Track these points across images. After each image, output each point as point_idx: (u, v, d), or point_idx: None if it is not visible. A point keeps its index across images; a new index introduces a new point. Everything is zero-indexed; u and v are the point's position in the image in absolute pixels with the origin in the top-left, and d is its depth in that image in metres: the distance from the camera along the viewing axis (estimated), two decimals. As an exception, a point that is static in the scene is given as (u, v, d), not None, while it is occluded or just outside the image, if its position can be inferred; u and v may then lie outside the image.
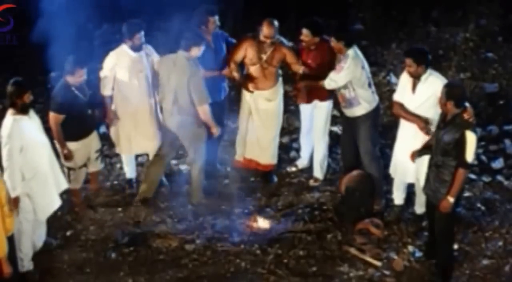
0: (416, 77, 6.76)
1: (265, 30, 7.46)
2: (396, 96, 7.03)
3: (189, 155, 7.62)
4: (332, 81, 7.26)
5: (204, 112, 7.28)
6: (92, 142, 7.51)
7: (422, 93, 6.75)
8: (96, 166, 7.68)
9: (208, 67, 7.46)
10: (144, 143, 7.69)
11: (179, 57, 7.26)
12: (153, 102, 7.61)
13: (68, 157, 7.22)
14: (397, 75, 9.54)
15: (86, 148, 7.44)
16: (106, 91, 7.49)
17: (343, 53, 7.22)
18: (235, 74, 7.64)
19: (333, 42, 7.23)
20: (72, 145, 7.25)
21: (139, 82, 7.46)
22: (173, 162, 8.41)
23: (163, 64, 7.38)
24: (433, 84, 6.61)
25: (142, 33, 7.36)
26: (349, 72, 7.17)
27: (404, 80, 6.91)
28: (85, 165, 7.54)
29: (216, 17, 7.52)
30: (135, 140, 7.64)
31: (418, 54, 6.75)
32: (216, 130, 7.44)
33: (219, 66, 7.67)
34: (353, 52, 7.21)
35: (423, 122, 6.79)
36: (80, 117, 7.19)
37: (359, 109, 7.34)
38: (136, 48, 7.38)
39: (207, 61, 7.45)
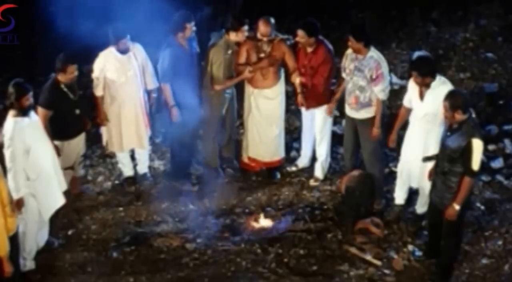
0: (424, 86, 6.69)
1: (261, 29, 7.51)
2: (405, 101, 7.03)
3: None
4: (383, 92, 7.23)
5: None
6: (80, 144, 7.57)
7: (430, 101, 6.66)
8: (78, 171, 7.76)
9: (185, 70, 7.59)
10: (134, 139, 7.84)
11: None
12: (142, 101, 7.74)
13: (56, 154, 7.21)
14: (397, 75, 9.58)
15: (73, 149, 7.49)
16: (97, 92, 7.61)
17: (362, 53, 7.19)
18: (248, 74, 7.71)
19: (352, 43, 7.17)
20: (59, 144, 7.28)
21: (128, 82, 7.58)
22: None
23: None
24: (443, 93, 6.33)
25: (128, 38, 7.47)
26: (387, 74, 7.21)
27: (412, 86, 6.87)
28: (72, 168, 7.57)
29: (193, 24, 7.59)
30: (125, 138, 7.78)
31: (422, 67, 6.66)
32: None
33: (195, 69, 7.78)
34: (376, 54, 7.20)
35: (394, 136, 7.07)
36: (68, 116, 7.24)
37: (369, 112, 7.34)
38: (122, 52, 7.52)
39: (184, 65, 7.58)
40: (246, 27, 7.55)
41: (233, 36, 7.56)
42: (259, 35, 7.55)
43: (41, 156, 6.62)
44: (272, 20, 7.55)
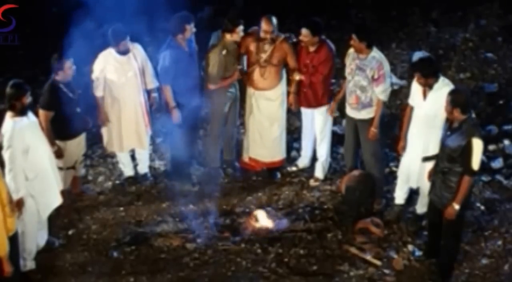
0: (427, 87, 6.72)
1: (264, 26, 7.52)
2: (410, 101, 7.04)
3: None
4: (384, 93, 7.23)
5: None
6: (81, 144, 7.60)
7: (432, 102, 6.69)
8: (79, 170, 7.78)
9: (185, 71, 7.62)
10: (134, 140, 7.87)
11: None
12: (142, 101, 7.76)
13: (59, 154, 7.24)
14: (397, 75, 9.59)
15: (75, 148, 7.51)
16: (98, 92, 7.64)
17: (364, 53, 7.19)
18: (239, 76, 7.80)
19: (354, 41, 7.18)
20: (61, 144, 7.31)
21: (128, 82, 7.61)
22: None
23: None
24: (445, 94, 6.33)
25: (127, 39, 7.50)
26: (388, 75, 7.22)
27: (415, 86, 6.88)
28: (73, 167, 7.59)
29: (193, 25, 7.60)
30: (126, 138, 7.82)
31: (424, 68, 6.69)
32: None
33: (195, 69, 7.81)
34: (378, 54, 7.20)
35: (402, 144, 7.04)
36: (69, 115, 7.26)
37: (370, 112, 7.35)
38: (122, 53, 7.55)
39: (184, 65, 7.60)
40: (241, 27, 7.57)
41: (228, 37, 7.59)
42: (261, 33, 7.57)
43: (39, 155, 6.62)
44: (274, 19, 7.56)
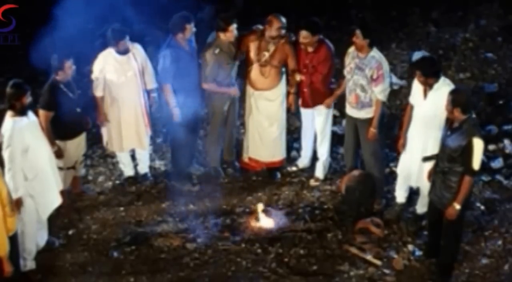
0: (427, 86, 6.73)
1: (275, 24, 7.51)
2: (410, 99, 7.04)
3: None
4: (383, 93, 7.22)
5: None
6: (81, 144, 7.61)
7: (432, 101, 6.69)
8: (79, 170, 7.79)
9: (186, 70, 7.62)
10: (134, 140, 7.88)
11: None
12: (142, 101, 7.76)
13: (59, 154, 7.25)
14: (397, 75, 9.59)
15: (75, 149, 7.52)
16: (97, 92, 7.64)
17: (363, 52, 7.19)
18: (234, 92, 7.86)
19: (358, 38, 7.15)
20: (61, 144, 7.32)
21: (127, 82, 7.61)
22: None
23: None
24: (445, 94, 6.35)
25: (127, 38, 7.51)
26: (388, 75, 7.22)
27: (416, 85, 6.89)
28: (73, 167, 7.60)
29: (193, 24, 7.61)
30: (126, 138, 7.82)
31: (425, 67, 6.69)
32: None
33: (196, 68, 7.80)
34: (378, 54, 7.20)
35: (402, 141, 7.02)
36: (69, 115, 7.26)
37: (370, 112, 7.34)
38: (122, 52, 7.56)
39: (184, 65, 7.61)
40: (234, 26, 7.57)
41: (222, 36, 7.59)
42: (273, 32, 7.54)
43: (39, 155, 6.63)
44: (282, 17, 7.57)
